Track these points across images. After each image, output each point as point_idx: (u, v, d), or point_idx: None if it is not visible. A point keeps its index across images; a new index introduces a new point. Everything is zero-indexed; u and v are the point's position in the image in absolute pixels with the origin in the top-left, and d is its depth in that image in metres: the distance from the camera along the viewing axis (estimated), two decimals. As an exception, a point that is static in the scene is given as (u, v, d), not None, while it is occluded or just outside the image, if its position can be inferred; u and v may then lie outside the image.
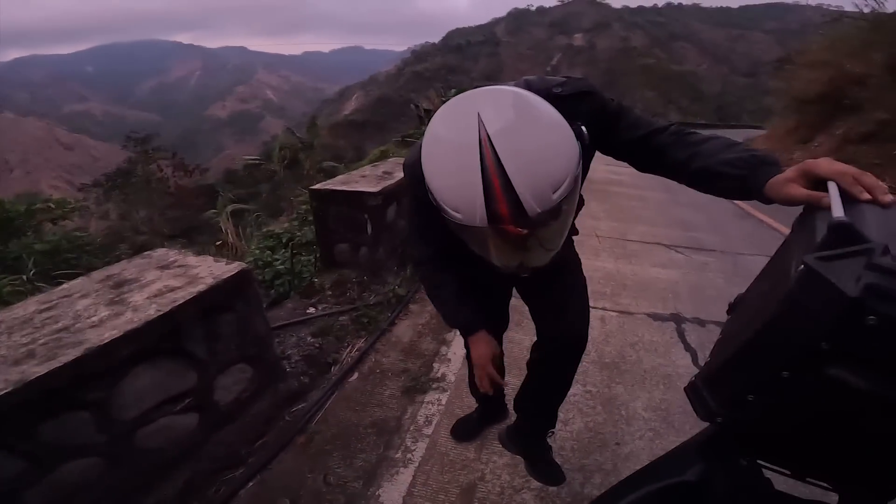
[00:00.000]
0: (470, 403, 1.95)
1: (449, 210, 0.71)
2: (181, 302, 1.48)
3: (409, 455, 1.80)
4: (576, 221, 1.06)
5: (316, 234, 3.24)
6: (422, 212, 0.97)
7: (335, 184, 3.19)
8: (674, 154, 0.87)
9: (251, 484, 1.67)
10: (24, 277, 4.26)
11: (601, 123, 0.93)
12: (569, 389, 1.47)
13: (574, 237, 1.27)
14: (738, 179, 0.74)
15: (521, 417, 1.62)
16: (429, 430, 1.92)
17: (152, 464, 1.51)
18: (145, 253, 1.91)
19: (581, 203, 0.77)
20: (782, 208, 0.71)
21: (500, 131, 0.65)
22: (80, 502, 1.32)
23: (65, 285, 1.67)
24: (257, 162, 12.19)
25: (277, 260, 3.30)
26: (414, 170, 0.87)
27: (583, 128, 0.80)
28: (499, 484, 1.66)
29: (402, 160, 4.16)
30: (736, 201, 6.32)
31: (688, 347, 2.59)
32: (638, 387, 2.22)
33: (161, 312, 1.42)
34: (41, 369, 1.16)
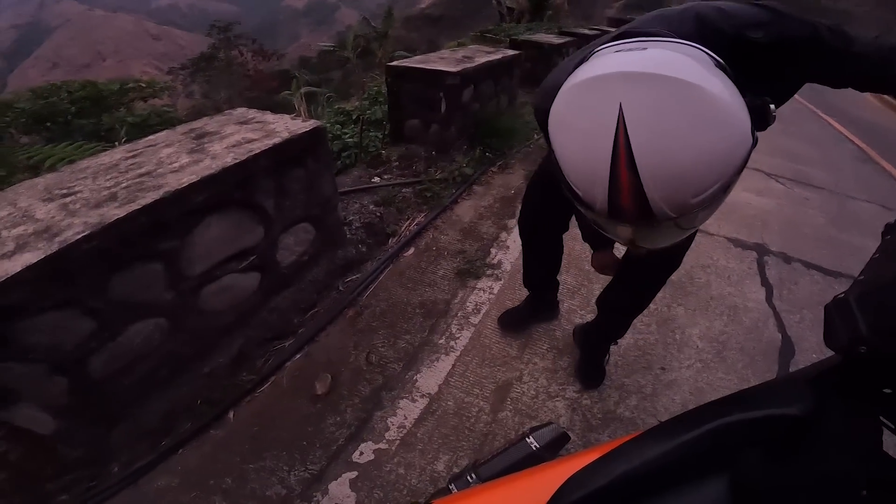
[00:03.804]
0: (522, 296, 1.95)
1: (570, 183, 0.61)
2: (257, 152, 1.51)
3: (452, 343, 1.82)
4: None
5: (389, 110, 3.26)
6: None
7: (413, 62, 3.17)
8: None
9: (298, 356, 1.74)
10: (116, 143, 4.65)
11: (812, 73, 0.80)
12: (648, 305, 1.48)
13: None
14: None
15: (601, 314, 1.62)
16: (476, 319, 1.94)
17: (211, 328, 1.60)
18: (226, 111, 1.95)
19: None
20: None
21: (641, 129, 0.52)
22: (138, 373, 1.41)
23: (150, 136, 1.74)
24: (331, 49, 12.01)
25: (346, 133, 3.36)
26: (543, 116, 0.72)
27: (771, 105, 0.61)
28: (535, 387, 1.67)
29: (481, 48, 3.95)
30: (862, 143, 5.45)
31: (764, 282, 2.38)
32: (699, 313, 2.10)
33: (237, 160, 1.46)
34: (121, 212, 1.21)
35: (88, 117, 5.52)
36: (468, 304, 2.02)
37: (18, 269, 1.04)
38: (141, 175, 1.40)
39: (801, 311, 2.19)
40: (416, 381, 1.66)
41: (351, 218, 2.33)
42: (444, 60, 3.18)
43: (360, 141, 3.10)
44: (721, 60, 0.58)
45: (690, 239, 1.22)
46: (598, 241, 1.35)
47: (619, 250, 1.35)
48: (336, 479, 1.37)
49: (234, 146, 1.56)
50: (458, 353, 1.78)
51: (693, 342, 1.93)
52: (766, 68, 0.77)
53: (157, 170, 1.43)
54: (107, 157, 1.55)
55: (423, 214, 2.55)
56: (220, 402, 1.56)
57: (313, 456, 1.43)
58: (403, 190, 2.70)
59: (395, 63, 3.15)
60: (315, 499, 1.32)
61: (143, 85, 6.81)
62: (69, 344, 1.22)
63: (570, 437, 0.66)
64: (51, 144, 4.41)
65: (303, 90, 6.61)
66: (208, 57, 21.32)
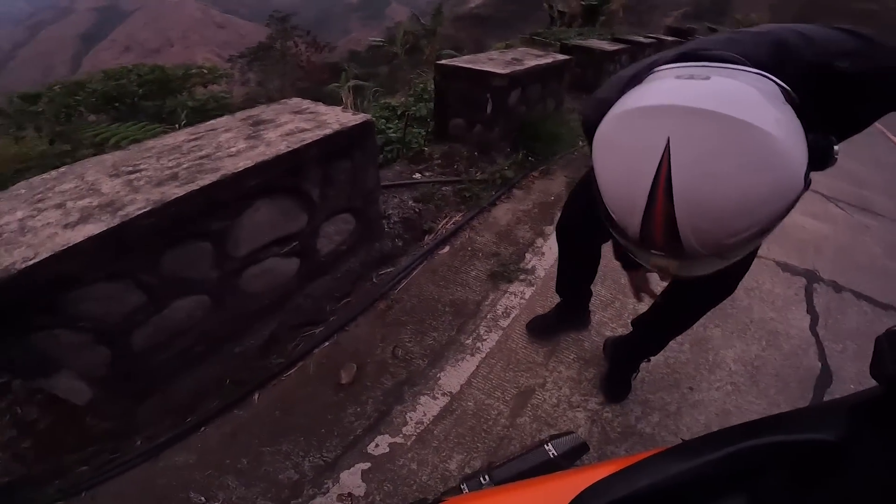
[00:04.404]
0: (553, 303, 1.94)
1: (606, 205, 0.61)
2: (308, 141, 1.58)
3: (478, 344, 1.82)
4: None
5: (434, 108, 3.30)
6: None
7: (462, 61, 3.19)
8: None
9: (327, 344, 1.79)
10: (177, 126, 4.93)
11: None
12: (689, 328, 1.44)
13: None
14: None
15: (635, 332, 1.59)
16: (505, 323, 1.93)
17: (248, 310, 1.67)
18: (282, 101, 2.03)
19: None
20: None
21: (685, 167, 0.51)
22: (175, 349, 1.48)
23: (211, 121, 1.84)
24: (380, 44, 12.22)
25: (391, 129, 3.41)
26: (591, 128, 0.70)
27: (835, 147, 0.59)
28: (557, 395, 1.65)
29: (530, 51, 3.92)
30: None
31: (810, 309, 2.27)
32: (737, 336, 2.02)
33: (290, 149, 1.53)
34: (180, 191, 1.29)
35: (153, 100, 5.86)
36: (498, 307, 2.02)
37: (80, 239, 1.12)
38: (201, 157, 1.48)
39: (844, 342, 2.08)
40: (440, 378, 1.68)
41: (390, 212, 2.37)
42: (493, 61, 3.18)
43: (403, 137, 3.15)
44: (793, 93, 0.56)
45: (746, 265, 1.17)
46: (628, 262, 1.33)
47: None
48: (348, 469, 1.40)
49: (287, 135, 1.63)
50: (483, 355, 1.78)
51: (726, 364, 1.87)
52: (846, 99, 0.72)
53: (216, 153, 1.51)
54: (171, 139, 1.65)
55: (460, 214, 2.57)
56: (248, 383, 1.62)
57: (329, 444, 1.47)
58: (443, 188, 2.72)
59: (443, 62, 3.17)
60: (325, 486, 1.36)
61: (205, 71, 7.16)
62: (117, 315, 1.30)
63: (589, 448, 0.66)
64: (116, 124, 4.75)
65: (350, 83, 6.77)
66: (265, 47, 22.25)
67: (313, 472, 1.39)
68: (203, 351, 1.58)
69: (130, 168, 1.44)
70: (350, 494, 1.34)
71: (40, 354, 1.20)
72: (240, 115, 1.88)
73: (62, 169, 1.48)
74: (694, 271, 0.61)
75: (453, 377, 1.68)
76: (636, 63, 0.90)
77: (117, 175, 1.40)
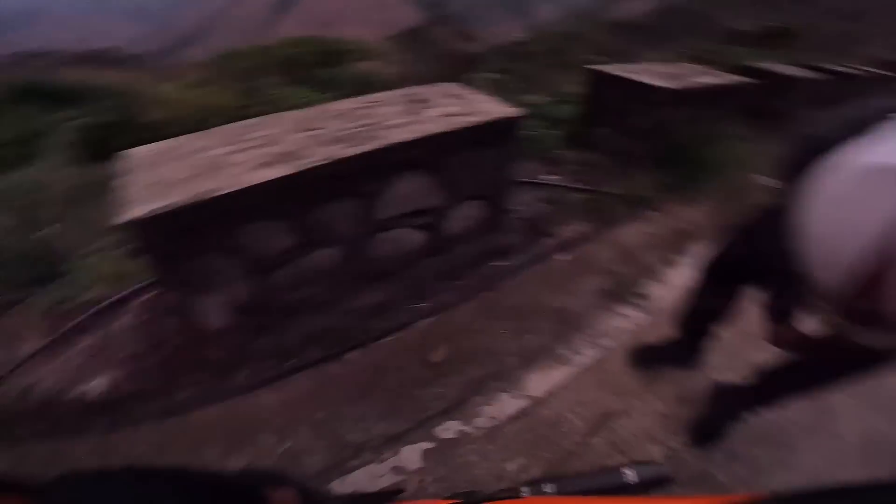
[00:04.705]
0: (663, 335, 1.79)
1: (805, 256, 0.57)
2: (461, 125, 1.65)
3: (575, 357, 1.77)
4: None
5: (580, 113, 3.21)
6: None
7: (617, 69, 3.05)
8: None
9: (428, 320, 1.85)
10: (342, 95, 5.45)
11: None
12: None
13: None
14: None
15: (757, 383, 1.44)
16: (607, 342, 1.84)
17: (369, 272, 1.79)
18: (440, 84, 2.15)
19: None
20: None
21: None
22: (301, 294, 1.64)
23: (375, 95, 2.01)
24: (525, 40, 12.16)
25: (527, 126, 3.38)
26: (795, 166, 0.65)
27: None
28: (639, 426, 1.55)
29: (695, 67, 3.58)
30: None
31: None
32: (866, 408, 1.69)
33: (444, 129, 1.62)
34: (348, 151, 1.44)
35: (322, 68, 6.61)
36: (604, 325, 1.93)
37: (261, 180, 1.32)
38: (366, 125, 1.65)
39: None
40: (526, 380, 1.67)
41: (518, 208, 2.38)
42: (653, 74, 2.97)
43: (540, 136, 3.12)
44: None
45: None
46: (784, 316, 1.18)
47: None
48: (412, 444, 1.45)
49: (443, 116, 1.72)
50: (576, 369, 1.73)
51: (841, 434, 1.61)
52: None
53: (379, 123, 1.66)
54: (341, 105, 1.85)
55: (586, 224, 2.49)
56: (349, 341, 1.74)
57: (403, 417, 1.53)
58: (573, 194, 2.65)
59: (598, 67, 3.06)
60: (384, 455, 1.42)
61: (368, 48, 7.86)
62: (270, 253, 1.51)
63: (673, 481, 0.63)
64: (290, 88, 5.46)
65: (491, 76, 6.87)
66: (418, 30, 23.73)
67: (379, 439, 1.46)
68: (321, 302, 1.76)
69: (308, 126, 1.65)
70: (402, 468, 1.39)
71: (204, 274, 1.44)
72: (401, 91, 2.04)
73: (254, 120, 1.75)
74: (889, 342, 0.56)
75: (540, 382, 1.66)
76: (856, 101, 0.79)
77: (297, 131, 1.61)
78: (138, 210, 1.20)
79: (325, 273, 1.69)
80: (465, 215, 1.98)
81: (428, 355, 1.73)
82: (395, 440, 1.47)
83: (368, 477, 1.39)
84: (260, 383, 1.64)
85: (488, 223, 2.08)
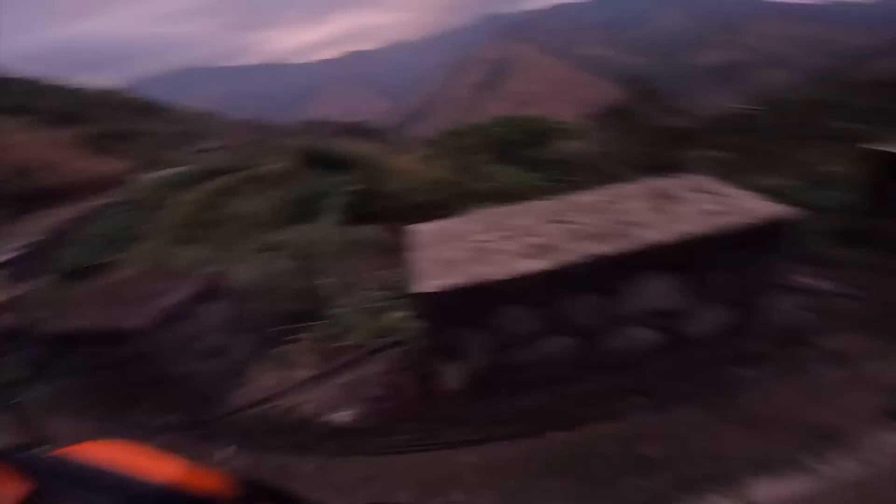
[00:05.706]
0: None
1: None
2: (722, 228, 1.58)
3: (825, 469, 1.52)
4: None
5: (857, 201, 2.71)
6: None
7: None
8: None
9: (647, 415, 1.73)
10: (549, 181, 5.61)
11: None
12: None
13: None
14: None
15: None
16: (878, 458, 1.53)
17: (595, 361, 1.77)
18: (681, 175, 2.10)
19: None
20: None
21: None
22: (530, 373, 1.70)
23: (616, 187, 2.06)
24: (749, 111, 10.81)
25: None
26: None
27: None
28: None
29: None
30: None
31: None
32: None
33: (701, 232, 1.57)
34: (602, 248, 1.50)
35: (528, 148, 7.12)
36: (875, 443, 1.59)
37: (529, 270, 1.48)
38: (613, 221, 1.71)
39: None
40: (750, 485, 1.46)
41: (772, 313, 2.07)
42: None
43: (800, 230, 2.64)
44: None
45: None
46: None
47: None
48: None
49: (698, 214, 1.67)
50: (825, 481, 1.48)
51: None
52: None
53: (629, 219, 1.71)
54: (587, 198, 1.97)
55: (860, 337, 2.00)
56: (558, 421, 1.72)
57: (595, 501, 1.46)
58: (846, 301, 2.18)
59: (884, 148, 2.52)
60: None
61: (571, 127, 8.20)
62: (516, 334, 1.63)
63: None
64: (500, 166, 5.99)
65: (712, 154, 6.28)
66: (620, 108, 23.69)
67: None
68: (545, 381, 1.80)
69: (558, 218, 1.80)
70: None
71: (457, 342, 1.65)
72: (640, 184, 2.06)
73: (508, 208, 1.99)
74: None
75: (768, 489, 1.47)
76: None
77: (549, 222, 1.77)
78: (429, 284, 1.48)
79: (557, 357, 1.75)
80: (708, 320, 1.83)
81: (638, 447, 1.64)
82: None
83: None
84: (465, 443, 1.76)
85: (735, 329, 1.86)
